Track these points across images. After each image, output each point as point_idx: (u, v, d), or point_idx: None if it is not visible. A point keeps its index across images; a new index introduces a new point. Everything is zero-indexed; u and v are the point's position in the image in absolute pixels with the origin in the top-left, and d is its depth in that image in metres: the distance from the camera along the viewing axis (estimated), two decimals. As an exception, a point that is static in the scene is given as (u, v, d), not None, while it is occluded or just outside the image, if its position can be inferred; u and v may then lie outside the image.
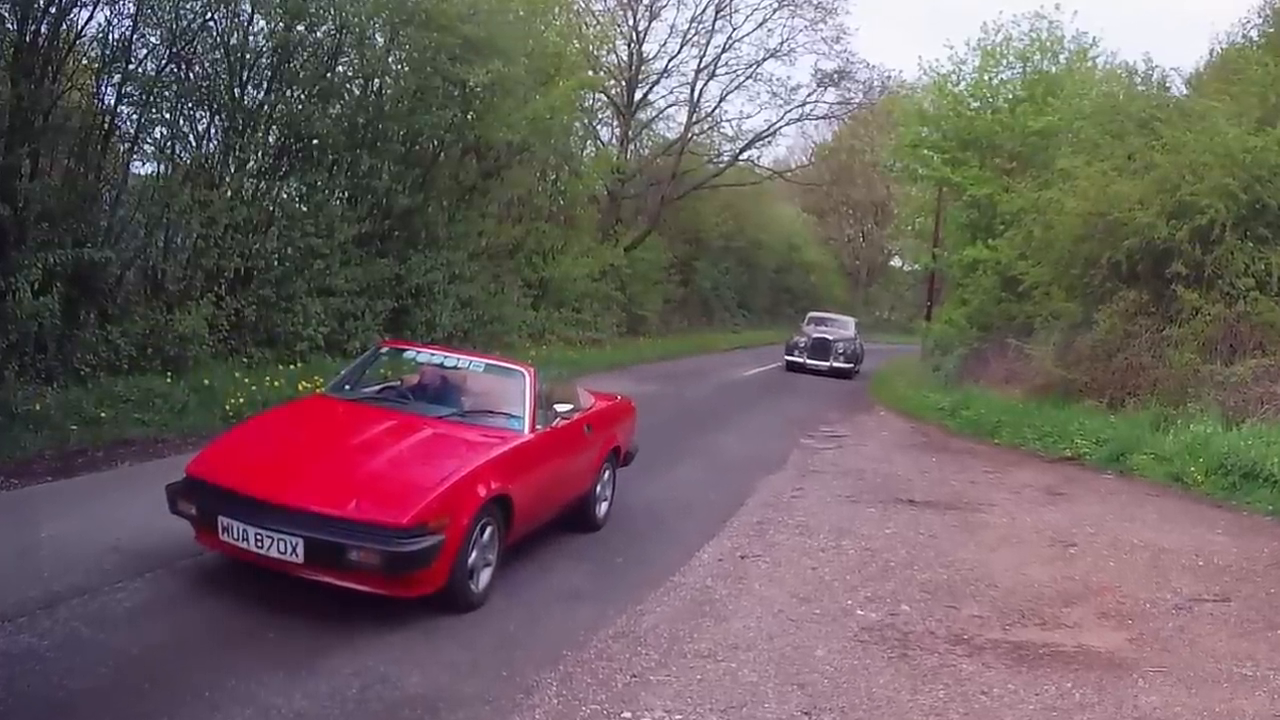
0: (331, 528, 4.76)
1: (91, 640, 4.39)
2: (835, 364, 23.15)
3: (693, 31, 29.08)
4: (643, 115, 30.08)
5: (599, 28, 26.38)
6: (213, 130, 11.53)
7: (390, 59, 14.17)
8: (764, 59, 30.09)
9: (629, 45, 28.99)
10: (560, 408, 6.35)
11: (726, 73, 30.26)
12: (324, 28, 12.15)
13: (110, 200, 10.35)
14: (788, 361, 23.57)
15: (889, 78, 31.41)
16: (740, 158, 32.19)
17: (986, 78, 20.94)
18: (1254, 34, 17.45)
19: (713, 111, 31.12)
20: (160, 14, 10.31)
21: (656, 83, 29.64)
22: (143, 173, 11.20)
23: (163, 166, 11.16)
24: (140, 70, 10.32)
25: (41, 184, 9.11)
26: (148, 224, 10.62)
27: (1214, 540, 8.03)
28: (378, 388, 6.75)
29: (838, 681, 4.76)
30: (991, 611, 5.99)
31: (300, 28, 11.81)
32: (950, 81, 21.14)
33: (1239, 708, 4.69)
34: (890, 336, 39.86)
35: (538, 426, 6.06)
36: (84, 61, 10.35)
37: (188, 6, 10.51)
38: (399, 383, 6.85)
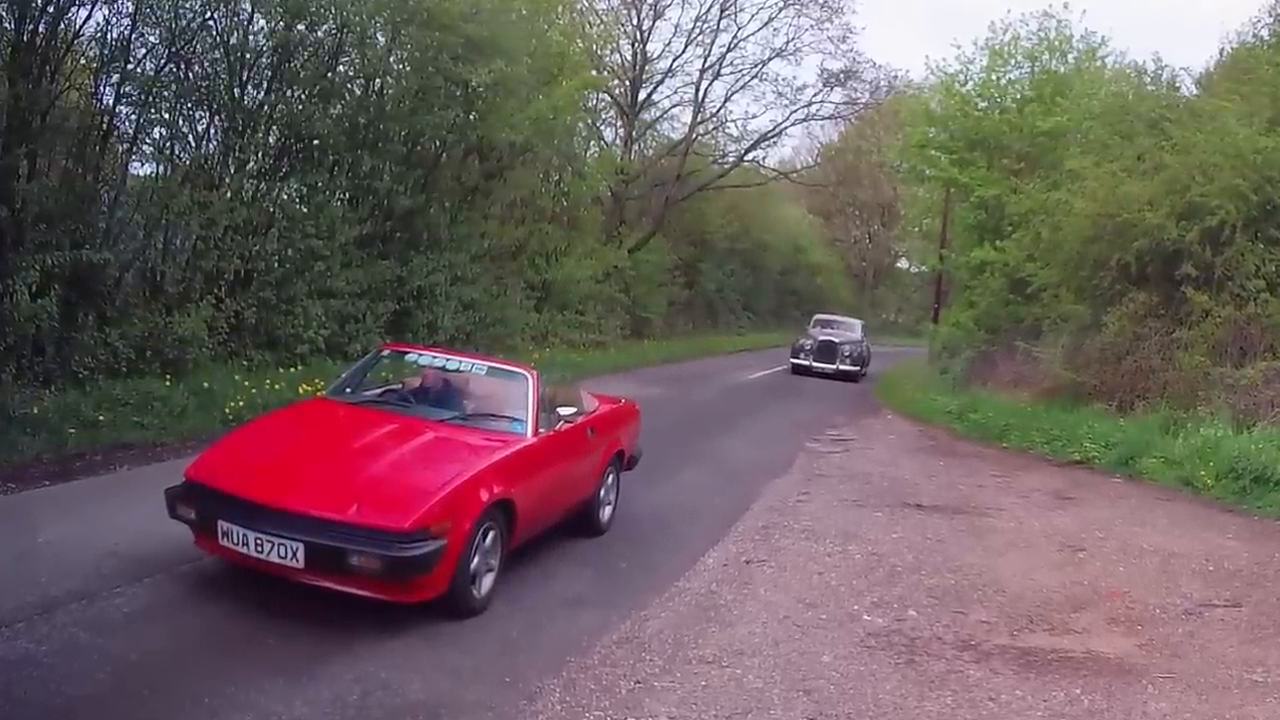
0: (332, 532, 4.69)
1: (90, 646, 4.34)
2: (841, 366, 23.05)
3: (697, 31, 29.16)
4: (647, 115, 30.11)
5: (602, 27, 26.46)
6: (212, 130, 11.50)
7: (392, 59, 14.16)
8: (769, 58, 30.13)
9: (633, 45, 29.04)
10: (563, 410, 6.25)
11: (731, 72, 30.32)
12: (325, 27, 12.12)
13: (109, 201, 10.29)
14: (793, 364, 23.48)
15: (896, 77, 31.48)
16: (745, 158, 32.27)
17: (994, 77, 20.97)
18: (1265, 33, 17.36)
19: (718, 112, 31.20)
20: (159, 13, 10.27)
21: (661, 83, 29.68)
22: (141, 173, 11.16)
23: (162, 167, 11.11)
24: (139, 70, 10.27)
25: (39, 185, 9.07)
26: (147, 225, 10.56)
27: (1224, 545, 8.01)
28: (379, 391, 6.63)
29: (844, 688, 4.75)
30: (999, 617, 5.97)
31: (301, 27, 11.78)
32: (958, 81, 21.19)
33: (1249, 714, 4.67)
34: (897, 339, 39.96)
35: (541, 430, 5.99)
36: (82, 61, 10.30)
37: (187, 6, 10.47)
38: (400, 386, 6.75)
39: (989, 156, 19.84)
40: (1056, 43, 20.49)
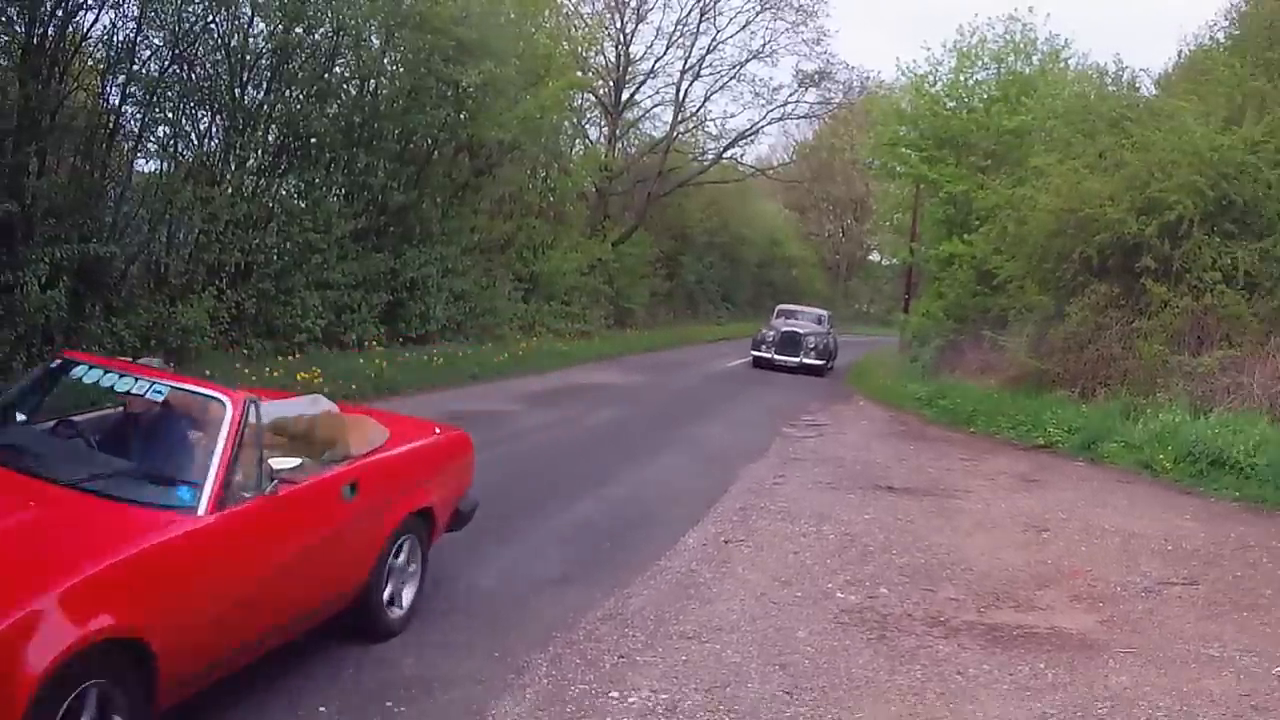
0: None
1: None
2: (806, 360, 20.85)
3: (678, 34, 29.60)
4: (630, 115, 30.47)
5: (587, 30, 26.61)
6: (214, 129, 11.81)
7: (386, 60, 14.46)
8: (747, 60, 30.60)
9: (616, 47, 29.41)
10: (279, 464, 3.81)
11: (711, 73, 30.74)
12: (321, 30, 12.43)
13: (115, 197, 10.58)
14: (754, 357, 21.26)
15: (868, 78, 31.85)
16: (724, 156, 32.56)
17: (962, 78, 21.06)
18: (1221, 36, 17.52)
19: (697, 111, 31.62)
20: (163, 16, 10.53)
21: (643, 83, 30.12)
22: (146, 170, 11.48)
23: (166, 164, 11.43)
24: (144, 71, 10.55)
25: (49, 181, 9.34)
26: (151, 220, 10.86)
27: (1182, 525, 8.12)
28: (54, 422, 4.21)
29: (818, 662, 4.84)
30: (967, 594, 6.06)
31: (299, 30, 12.05)
32: (927, 82, 21.22)
33: (1206, 687, 4.77)
34: (869, 329, 40.11)
35: (240, 495, 3.72)
36: (90, 63, 10.59)
37: (190, 9, 10.74)
38: (94, 412, 4.47)
39: (957, 154, 19.89)
40: (1022, 45, 20.64)
